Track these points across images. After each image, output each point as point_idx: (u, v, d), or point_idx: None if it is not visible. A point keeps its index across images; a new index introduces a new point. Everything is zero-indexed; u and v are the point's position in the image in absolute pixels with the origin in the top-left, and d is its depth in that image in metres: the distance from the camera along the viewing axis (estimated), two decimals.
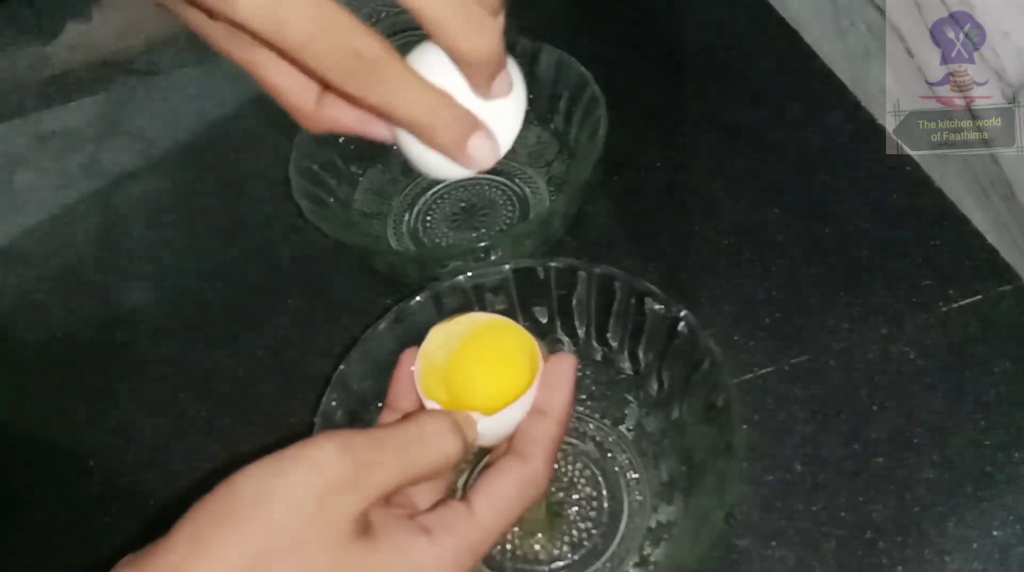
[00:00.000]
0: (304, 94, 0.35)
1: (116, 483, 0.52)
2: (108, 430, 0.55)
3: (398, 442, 0.31)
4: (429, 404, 0.36)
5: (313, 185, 0.58)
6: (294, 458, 0.29)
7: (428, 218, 0.62)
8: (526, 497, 0.32)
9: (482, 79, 0.31)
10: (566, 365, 0.36)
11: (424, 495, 0.33)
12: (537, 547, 0.46)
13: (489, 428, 0.35)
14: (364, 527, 0.29)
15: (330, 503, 0.28)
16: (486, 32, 0.30)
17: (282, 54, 0.29)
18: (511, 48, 0.31)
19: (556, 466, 0.48)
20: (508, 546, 0.46)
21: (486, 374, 0.37)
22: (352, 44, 0.28)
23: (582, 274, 0.48)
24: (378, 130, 0.36)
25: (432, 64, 0.31)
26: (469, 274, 0.49)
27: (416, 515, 0.31)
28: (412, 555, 0.30)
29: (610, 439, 0.49)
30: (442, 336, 0.38)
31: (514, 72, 0.33)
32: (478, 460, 0.48)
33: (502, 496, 0.32)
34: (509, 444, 0.34)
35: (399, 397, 0.38)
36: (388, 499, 0.32)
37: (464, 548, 0.30)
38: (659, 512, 0.46)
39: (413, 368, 0.37)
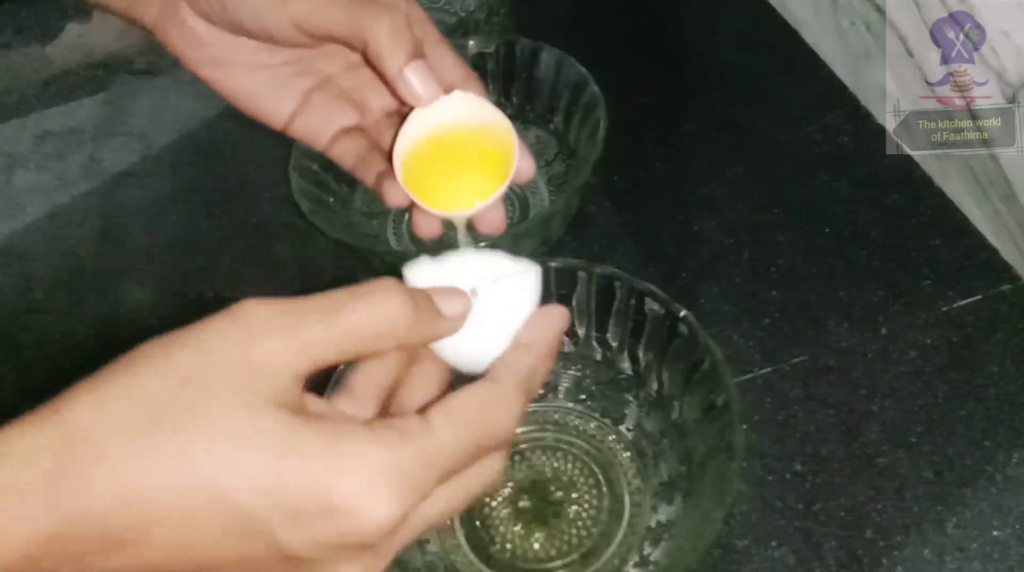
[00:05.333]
0: (272, 104, 0.43)
1: None
2: None
3: (330, 300, 0.27)
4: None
5: (313, 185, 0.58)
6: (210, 317, 0.25)
7: None
8: (490, 418, 0.28)
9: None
10: (558, 310, 0.33)
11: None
12: (537, 547, 0.46)
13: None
14: (295, 406, 0.25)
15: (247, 353, 0.24)
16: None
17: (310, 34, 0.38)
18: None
19: (556, 465, 0.48)
20: (508, 545, 0.46)
21: (464, 161, 0.39)
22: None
23: (582, 274, 0.48)
24: (337, 154, 0.44)
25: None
26: None
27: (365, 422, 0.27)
28: (348, 444, 0.25)
29: (610, 439, 0.49)
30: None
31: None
32: None
33: (461, 410, 0.27)
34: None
35: None
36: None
37: (414, 454, 0.25)
38: (659, 512, 0.46)
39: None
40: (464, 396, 0.28)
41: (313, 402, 0.27)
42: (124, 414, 0.23)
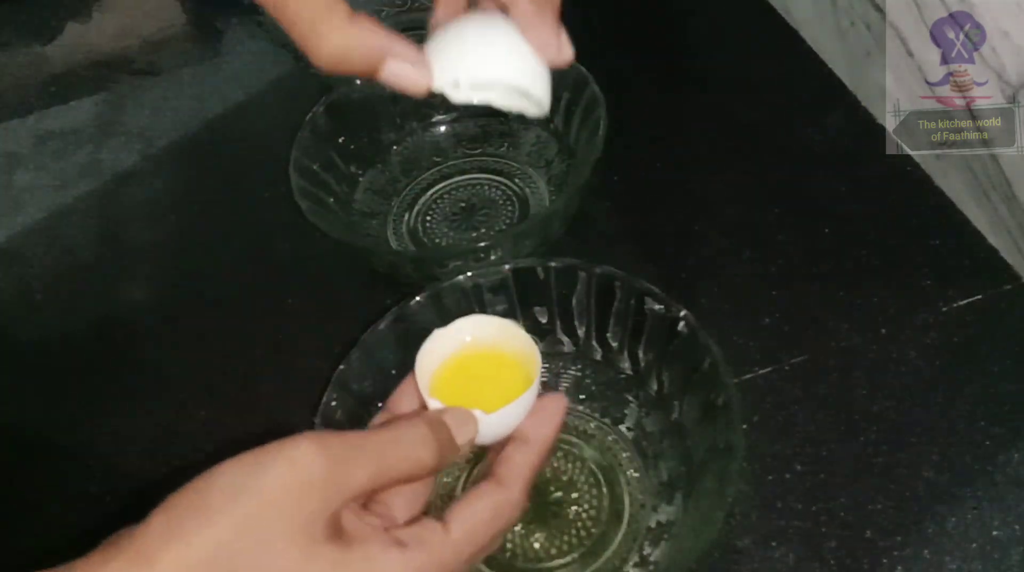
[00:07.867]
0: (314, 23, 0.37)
1: (116, 483, 0.52)
2: (108, 430, 0.55)
3: (375, 445, 0.32)
4: (431, 402, 0.36)
5: (313, 185, 0.58)
6: (272, 454, 0.30)
7: (428, 218, 0.62)
8: (501, 522, 0.34)
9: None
10: (557, 402, 0.37)
11: (403, 504, 0.34)
12: (537, 547, 0.46)
13: (488, 426, 0.36)
14: (336, 531, 0.30)
15: (303, 500, 0.29)
16: None
17: None
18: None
19: (556, 465, 0.48)
20: (509, 545, 0.46)
21: (488, 374, 0.39)
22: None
23: (582, 274, 0.48)
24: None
25: None
26: (469, 274, 0.49)
27: (391, 528, 0.32)
28: (382, 565, 0.30)
29: (610, 439, 0.49)
30: (444, 338, 0.40)
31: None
32: (476, 461, 0.48)
33: (477, 519, 0.33)
34: (490, 469, 0.35)
35: (399, 401, 0.39)
36: (365, 504, 0.33)
37: (435, 567, 0.31)
38: (659, 512, 0.46)
39: (416, 369, 0.38)
40: (477, 504, 0.33)
41: (348, 521, 0.31)
42: (202, 561, 0.28)
